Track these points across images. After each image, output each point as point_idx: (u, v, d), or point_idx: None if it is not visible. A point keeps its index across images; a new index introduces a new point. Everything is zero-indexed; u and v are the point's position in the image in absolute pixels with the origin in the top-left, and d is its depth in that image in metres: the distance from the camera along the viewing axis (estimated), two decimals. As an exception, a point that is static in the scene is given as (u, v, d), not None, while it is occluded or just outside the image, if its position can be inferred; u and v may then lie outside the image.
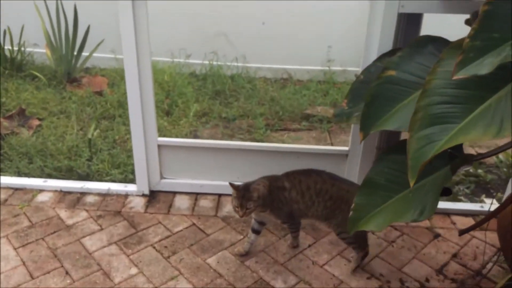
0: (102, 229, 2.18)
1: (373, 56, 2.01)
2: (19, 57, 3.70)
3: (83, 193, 2.42)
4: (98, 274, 1.91)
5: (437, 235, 2.16)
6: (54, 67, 3.72)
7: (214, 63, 3.77)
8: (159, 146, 2.34)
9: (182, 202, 2.37)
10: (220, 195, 2.43)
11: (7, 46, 3.64)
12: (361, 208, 1.55)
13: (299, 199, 1.85)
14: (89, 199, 2.38)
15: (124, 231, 2.16)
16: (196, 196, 2.43)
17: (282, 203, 1.86)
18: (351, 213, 1.56)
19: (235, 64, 3.79)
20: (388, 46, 2.02)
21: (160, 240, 2.11)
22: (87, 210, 2.29)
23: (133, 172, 2.43)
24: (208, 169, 2.41)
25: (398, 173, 1.58)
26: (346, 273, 1.92)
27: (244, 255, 2.00)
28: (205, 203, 2.37)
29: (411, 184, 1.27)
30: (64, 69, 3.68)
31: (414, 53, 1.65)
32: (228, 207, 2.34)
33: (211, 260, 1.99)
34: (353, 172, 2.30)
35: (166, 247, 2.07)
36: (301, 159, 2.33)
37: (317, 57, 3.87)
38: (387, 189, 1.56)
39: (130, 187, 2.44)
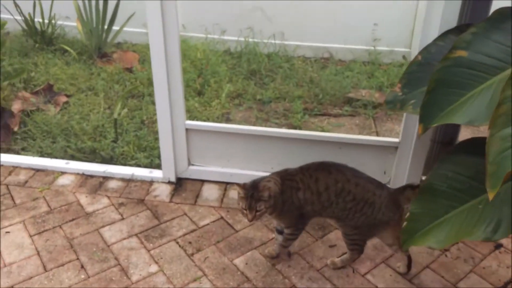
0: (123, 218, 2.01)
1: (434, 33, 1.71)
2: (49, 30, 3.56)
3: (106, 178, 2.26)
4: (115, 270, 1.75)
5: (498, 246, 1.87)
6: (84, 42, 3.58)
7: (250, 40, 3.51)
8: (187, 130, 2.13)
9: (210, 192, 2.18)
10: (251, 185, 2.21)
11: (38, 19, 3.51)
12: (418, 218, 1.29)
13: (314, 200, 1.60)
14: (112, 184, 2.22)
15: (146, 222, 1.99)
16: (225, 186, 2.22)
17: (294, 205, 1.61)
18: (405, 223, 1.31)
19: (272, 41, 3.52)
20: (453, 22, 1.71)
21: (184, 235, 1.93)
22: (108, 197, 2.14)
23: (159, 157, 2.25)
24: (240, 157, 2.19)
25: (464, 178, 1.31)
26: (392, 286, 1.68)
27: (276, 257, 1.79)
28: (235, 195, 2.17)
29: (491, 195, 1.01)
30: (94, 44, 3.52)
31: (492, 29, 1.34)
32: (259, 200, 2.12)
33: (239, 261, 1.79)
34: (403, 167, 2.03)
35: (190, 242, 1.89)
36: (343, 150, 2.07)
37: (362, 35, 3.53)
38: (450, 197, 1.30)
39: (156, 173, 2.26)
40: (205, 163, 2.24)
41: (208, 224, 1.99)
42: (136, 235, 1.93)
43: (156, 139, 2.46)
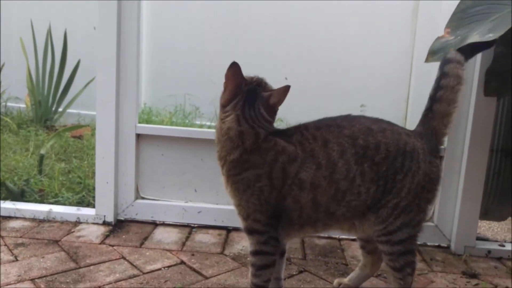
0: (16, 260, 1.21)
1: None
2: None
3: (7, 217, 1.48)
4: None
5: None
6: (31, 114, 3.01)
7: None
8: (138, 136, 1.48)
9: (166, 235, 1.43)
10: (229, 229, 1.49)
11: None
12: None
13: (322, 178, 0.94)
14: (14, 224, 1.44)
15: (55, 265, 1.20)
16: (190, 230, 1.48)
17: (271, 183, 0.95)
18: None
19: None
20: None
21: (116, 281, 1.14)
22: (2, 237, 1.35)
23: (94, 197, 1.53)
24: (214, 183, 1.50)
25: None
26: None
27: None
28: (205, 238, 1.43)
29: None
30: (41, 114, 2.97)
31: None
32: (242, 243, 1.39)
33: (211, 310, 1.00)
34: (452, 188, 1.40)
35: (125, 290, 1.09)
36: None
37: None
38: None
39: (85, 211, 1.51)
40: (162, 195, 1.53)
41: (159, 269, 1.21)
42: (31, 279, 1.11)
43: (92, 176, 1.75)
